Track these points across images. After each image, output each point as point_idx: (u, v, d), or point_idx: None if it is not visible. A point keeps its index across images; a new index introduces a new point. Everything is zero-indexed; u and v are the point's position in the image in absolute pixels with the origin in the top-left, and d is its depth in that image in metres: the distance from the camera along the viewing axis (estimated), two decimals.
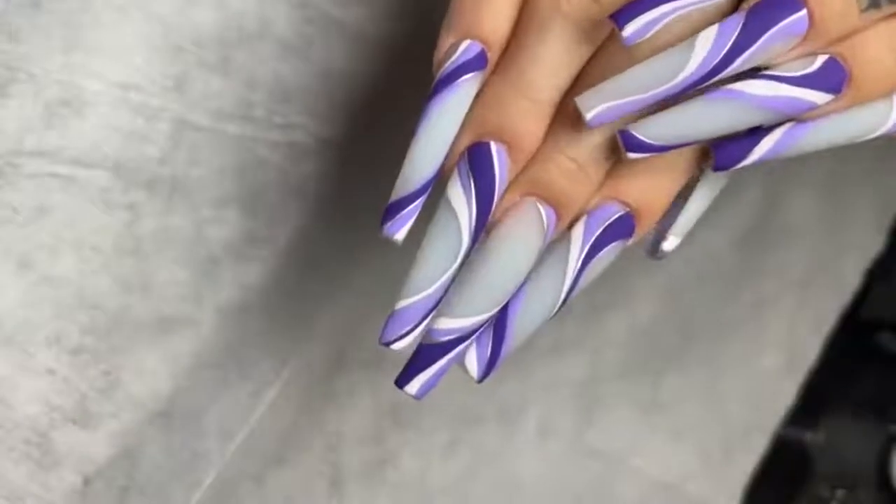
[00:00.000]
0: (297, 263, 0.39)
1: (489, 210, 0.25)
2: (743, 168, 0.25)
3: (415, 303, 0.25)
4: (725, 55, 0.24)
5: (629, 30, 0.23)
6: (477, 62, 0.25)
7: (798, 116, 0.25)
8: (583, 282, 0.26)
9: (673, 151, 0.26)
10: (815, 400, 0.53)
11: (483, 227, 0.25)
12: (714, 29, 0.24)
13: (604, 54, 0.26)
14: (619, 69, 0.25)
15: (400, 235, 0.25)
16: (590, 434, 0.48)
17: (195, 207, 0.35)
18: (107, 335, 0.34)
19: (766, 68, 0.24)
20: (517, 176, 0.26)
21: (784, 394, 0.53)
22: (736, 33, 0.24)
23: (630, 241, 0.27)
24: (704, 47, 0.24)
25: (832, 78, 0.24)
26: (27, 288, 0.32)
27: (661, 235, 0.28)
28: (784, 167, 0.51)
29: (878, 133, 0.25)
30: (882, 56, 0.24)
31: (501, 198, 0.26)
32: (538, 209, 0.26)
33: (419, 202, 0.25)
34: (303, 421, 0.40)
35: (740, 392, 0.52)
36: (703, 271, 0.50)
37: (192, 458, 0.37)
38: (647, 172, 0.26)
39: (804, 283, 0.53)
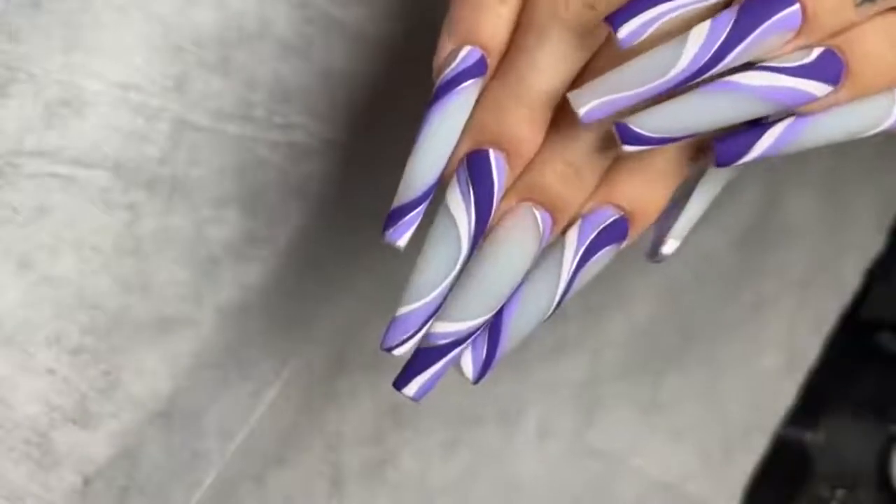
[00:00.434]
0: (298, 264, 0.39)
1: (488, 217, 0.26)
2: (744, 164, 0.25)
3: (415, 309, 0.25)
4: (717, 50, 0.24)
5: (624, 31, 0.23)
6: (477, 68, 0.26)
7: (797, 108, 0.25)
8: (577, 285, 0.27)
9: (666, 155, 0.26)
10: (815, 400, 0.53)
11: (482, 233, 0.26)
12: (706, 24, 0.24)
13: (600, 59, 0.26)
14: None
15: (402, 242, 0.25)
16: (590, 434, 0.48)
17: (195, 207, 0.35)
18: (107, 335, 0.34)
19: (762, 63, 0.24)
20: (514, 181, 0.26)
21: (784, 394, 0.53)
22: (728, 28, 0.24)
23: (624, 245, 0.27)
24: (696, 42, 0.24)
25: (829, 69, 0.24)
26: (27, 288, 0.32)
27: (659, 239, 0.28)
28: (784, 166, 0.51)
29: (879, 129, 0.25)
30: (880, 49, 0.25)
31: (499, 203, 0.26)
32: (534, 214, 0.26)
33: (421, 209, 0.25)
34: (303, 421, 0.40)
35: (740, 392, 0.52)
36: (703, 271, 0.50)
37: (192, 458, 0.37)
38: (641, 177, 0.27)
39: (804, 283, 0.53)
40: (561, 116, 0.26)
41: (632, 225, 0.27)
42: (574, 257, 0.26)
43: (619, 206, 0.27)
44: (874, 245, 0.54)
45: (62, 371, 0.34)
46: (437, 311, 0.26)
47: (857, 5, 0.24)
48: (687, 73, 0.24)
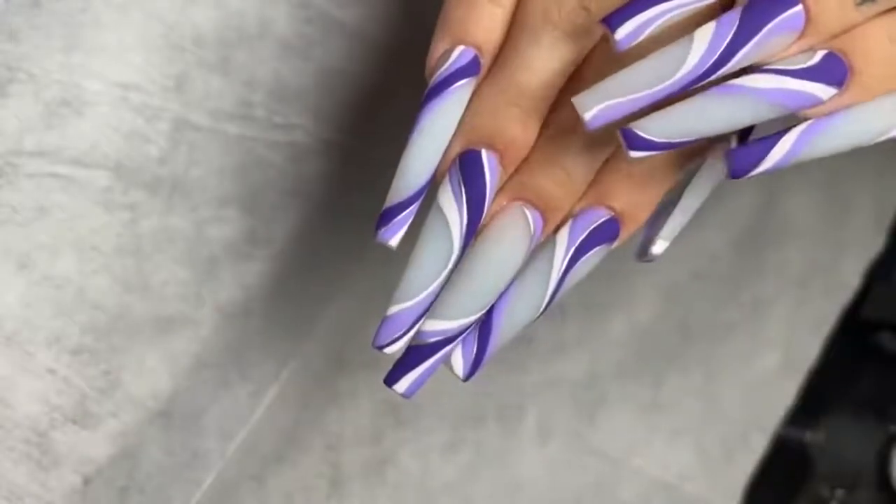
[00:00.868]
0: (298, 264, 0.39)
1: (480, 217, 0.26)
2: (758, 175, 0.25)
3: (407, 308, 0.26)
4: (724, 51, 0.24)
5: (621, 33, 0.23)
6: (470, 68, 0.26)
7: (803, 112, 0.25)
8: (567, 284, 0.27)
9: (658, 158, 0.26)
10: (815, 400, 0.53)
11: (474, 233, 0.26)
12: (711, 25, 0.24)
13: (594, 60, 0.26)
14: (609, 74, 0.25)
15: (394, 241, 0.26)
16: (590, 434, 0.48)
17: (195, 207, 0.35)
18: (107, 335, 0.34)
19: (767, 65, 0.24)
20: (506, 181, 0.27)
21: (784, 394, 0.53)
22: (733, 29, 0.24)
23: (614, 245, 0.27)
24: (702, 44, 0.24)
25: (834, 71, 0.24)
26: (27, 288, 0.32)
27: (649, 240, 0.28)
28: None
29: (893, 133, 0.25)
30: (883, 49, 0.24)
31: (491, 203, 0.26)
32: (525, 214, 0.26)
33: (413, 208, 0.26)
34: (303, 421, 0.40)
35: (740, 392, 0.52)
36: (703, 271, 0.50)
37: (192, 458, 0.37)
38: (632, 178, 0.27)
39: (803, 283, 0.53)
40: (553, 117, 0.26)
41: (622, 226, 0.27)
42: (564, 257, 0.26)
43: (610, 207, 0.27)
44: (874, 245, 0.54)
45: (62, 371, 0.34)
46: (428, 310, 0.26)
47: (858, 5, 0.24)
48: (693, 76, 0.24)
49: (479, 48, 0.26)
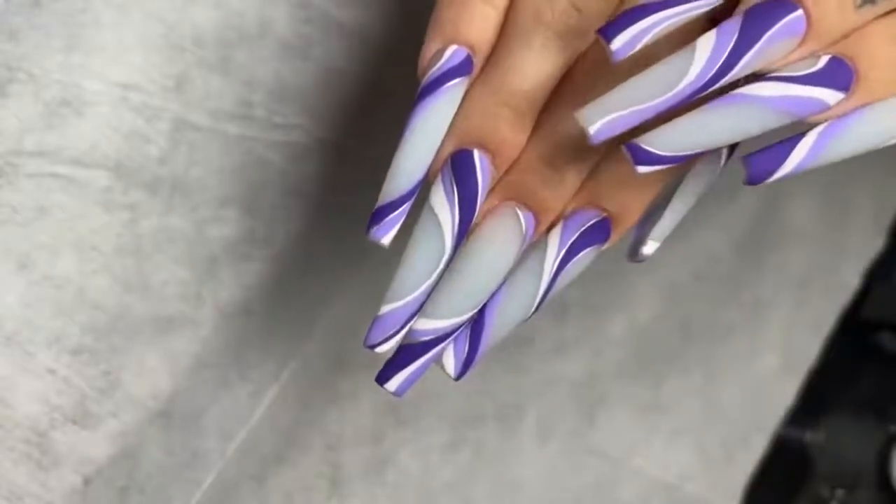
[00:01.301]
0: (297, 263, 0.39)
1: (472, 217, 0.26)
2: (777, 181, 0.25)
3: (398, 307, 0.26)
4: (727, 59, 0.23)
5: (617, 43, 0.23)
6: (462, 68, 0.26)
7: (811, 117, 0.24)
8: (559, 284, 0.27)
9: None
10: (815, 400, 0.53)
11: (465, 233, 0.26)
12: (712, 34, 0.23)
13: (586, 61, 0.26)
14: (602, 76, 0.25)
15: (386, 240, 0.26)
16: (590, 434, 0.48)
17: (195, 207, 0.35)
18: (107, 335, 0.34)
19: (771, 73, 0.24)
20: (498, 181, 0.27)
21: (784, 394, 0.53)
22: (735, 37, 0.23)
23: (605, 246, 0.27)
24: (704, 53, 0.23)
25: (839, 75, 0.24)
26: (27, 288, 0.32)
27: (640, 240, 0.28)
28: None
29: None
30: (887, 51, 0.24)
31: (483, 203, 0.26)
32: (517, 214, 0.26)
33: (405, 207, 0.26)
34: (303, 421, 0.40)
35: (740, 392, 0.52)
36: (703, 272, 0.50)
37: (192, 458, 0.37)
38: (624, 179, 0.27)
39: (803, 283, 0.53)
40: (545, 117, 0.26)
41: (614, 227, 0.27)
42: (556, 257, 0.26)
43: (602, 208, 0.27)
44: (873, 245, 0.54)
45: (62, 371, 0.34)
46: (419, 310, 0.26)
47: (858, 7, 0.24)
48: (696, 86, 0.23)
49: (471, 48, 0.26)
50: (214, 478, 0.38)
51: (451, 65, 0.26)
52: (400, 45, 0.38)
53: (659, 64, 0.24)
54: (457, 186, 0.26)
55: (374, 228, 0.26)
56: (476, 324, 0.26)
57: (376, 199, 0.26)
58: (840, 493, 0.53)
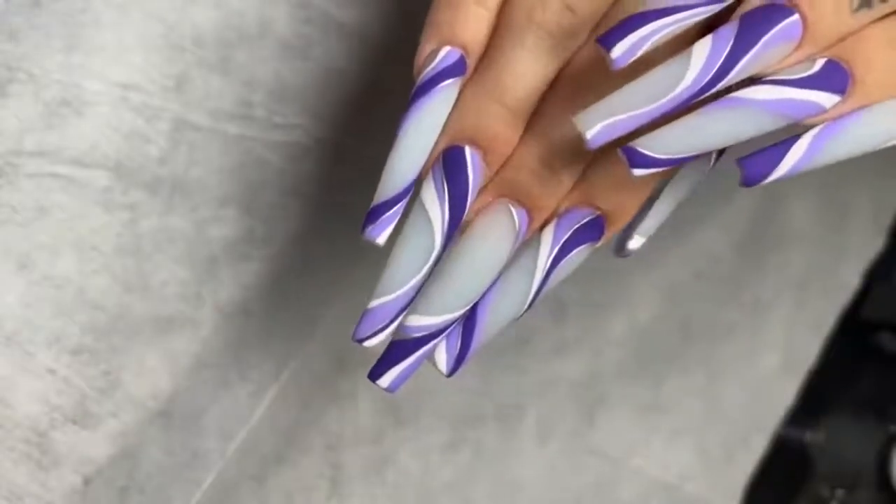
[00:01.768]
0: (297, 263, 0.39)
1: (462, 214, 0.26)
2: (772, 182, 0.25)
3: (387, 302, 0.26)
4: (723, 64, 0.24)
5: (617, 52, 0.23)
6: (456, 68, 0.26)
7: (807, 120, 0.24)
8: (552, 282, 0.27)
9: None
10: (815, 400, 0.53)
11: (455, 229, 0.26)
12: (708, 39, 0.24)
13: (579, 61, 0.26)
14: (597, 76, 0.25)
15: (381, 239, 0.26)
16: (590, 434, 0.48)
17: (195, 207, 0.35)
18: (107, 335, 0.34)
19: (767, 76, 0.24)
20: (492, 178, 0.27)
21: (784, 394, 0.53)
22: (731, 41, 0.24)
23: (599, 244, 0.27)
24: (700, 58, 0.24)
25: (835, 78, 0.24)
26: (27, 288, 0.32)
27: (627, 235, 0.28)
28: None
29: None
30: (883, 54, 0.24)
31: (475, 200, 0.26)
32: (510, 211, 0.26)
33: (400, 206, 0.26)
34: (303, 421, 0.40)
35: (740, 392, 0.52)
36: (703, 272, 0.50)
37: (192, 458, 0.37)
38: (618, 178, 0.27)
39: (803, 284, 0.53)
40: (539, 116, 0.26)
41: (607, 225, 0.27)
42: (549, 255, 0.26)
43: (595, 207, 0.27)
44: (873, 246, 0.54)
45: (62, 371, 0.34)
46: (408, 305, 0.26)
47: (855, 11, 0.24)
48: (693, 90, 0.24)
49: (465, 48, 0.26)
50: (214, 478, 0.38)
51: (444, 65, 0.26)
52: (399, 45, 0.38)
53: (656, 69, 0.24)
54: (447, 183, 0.26)
55: (369, 228, 0.26)
56: (468, 321, 0.26)
57: None
58: (840, 493, 0.53)
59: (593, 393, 0.48)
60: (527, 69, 0.26)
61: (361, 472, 0.42)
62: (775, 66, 0.24)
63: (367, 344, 0.26)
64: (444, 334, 0.26)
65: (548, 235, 0.27)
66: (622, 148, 0.24)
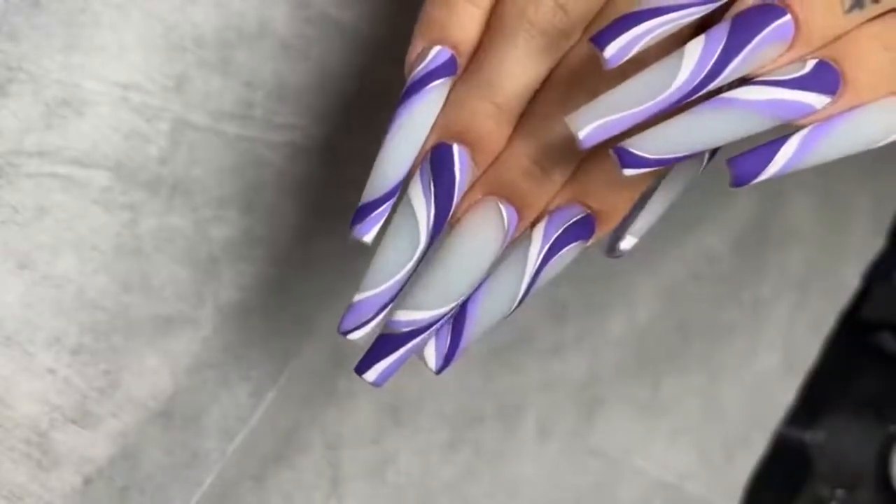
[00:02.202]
0: (297, 263, 0.39)
1: (448, 210, 0.26)
2: (762, 182, 0.25)
3: (371, 296, 0.26)
4: (714, 65, 0.24)
5: (610, 51, 0.23)
6: (447, 68, 0.26)
7: (797, 121, 0.25)
8: (542, 280, 0.27)
9: None
10: (815, 400, 0.53)
11: (441, 226, 0.26)
12: (700, 40, 0.24)
13: (571, 60, 0.26)
14: (589, 75, 0.25)
15: (369, 237, 0.26)
16: (590, 434, 0.48)
17: (195, 207, 0.35)
18: (107, 335, 0.34)
19: (758, 77, 0.24)
20: (481, 176, 0.27)
21: (784, 394, 0.53)
22: (723, 42, 0.24)
23: (589, 243, 0.27)
24: (692, 59, 0.24)
25: (826, 79, 0.24)
26: (27, 288, 0.32)
27: (619, 235, 0.28)
28: None
29: (894, 137, 0.25)
30: (874, 55, 0.25)
31: (463, 197, 0.26)
32: (499, 208, 0.26)
33: (388, 205, 0.26)
34: (303, 421, 0.40)
35: (740, 392, 0.52)
36: (703, 272, 0.50)
37: (192, 458, 0.37)
38: (609, 177, 0.27)
39: (803, 284, 0.53)
40: (529, 115, 0.26)
41: (598, 224, 0.27)
42: (539, 253, 0.27)
43: (586, 205, 0.27)
44: (872, 246, 0.54)
45: (62, 371, 0.34)
46: (393, 300, 0.26)
47: (847, 12, 0.24)
48: (684, 91, 0.24)
49: (455, 48, 0.26)
50: (214, 478, 0.38)
51: (435, 65, 0.26)
52: (399, 45, 0.38)
53: (648, 69, 0.24)
54: (434, 180, 0.26)
55: (357, 226, 0.26)
56: (458, 318, 0.27)
57: None
58: (840, 493, 0.53)
59: (593, 393, 0.48)
60: (518, 68, 0.26)
61: (361, 471, 0.42)
62: (767, 67, 0.24)
63: (351, 337, 0.26)
64: (431, 330, 0.26)
65: (538, 233, 0.27)
66: (613, 148, 0.24)
